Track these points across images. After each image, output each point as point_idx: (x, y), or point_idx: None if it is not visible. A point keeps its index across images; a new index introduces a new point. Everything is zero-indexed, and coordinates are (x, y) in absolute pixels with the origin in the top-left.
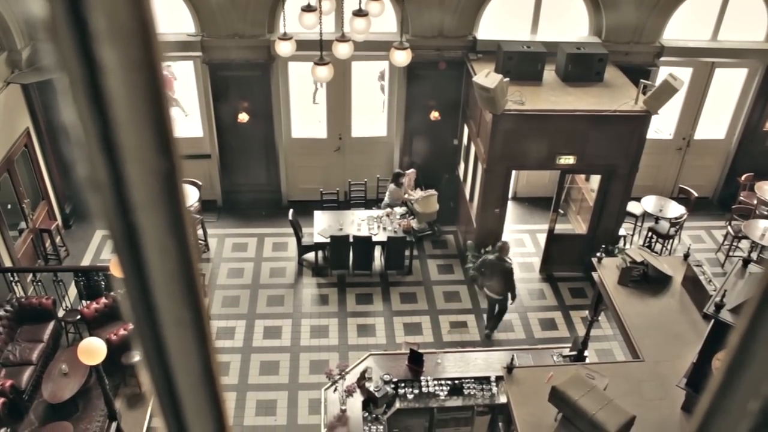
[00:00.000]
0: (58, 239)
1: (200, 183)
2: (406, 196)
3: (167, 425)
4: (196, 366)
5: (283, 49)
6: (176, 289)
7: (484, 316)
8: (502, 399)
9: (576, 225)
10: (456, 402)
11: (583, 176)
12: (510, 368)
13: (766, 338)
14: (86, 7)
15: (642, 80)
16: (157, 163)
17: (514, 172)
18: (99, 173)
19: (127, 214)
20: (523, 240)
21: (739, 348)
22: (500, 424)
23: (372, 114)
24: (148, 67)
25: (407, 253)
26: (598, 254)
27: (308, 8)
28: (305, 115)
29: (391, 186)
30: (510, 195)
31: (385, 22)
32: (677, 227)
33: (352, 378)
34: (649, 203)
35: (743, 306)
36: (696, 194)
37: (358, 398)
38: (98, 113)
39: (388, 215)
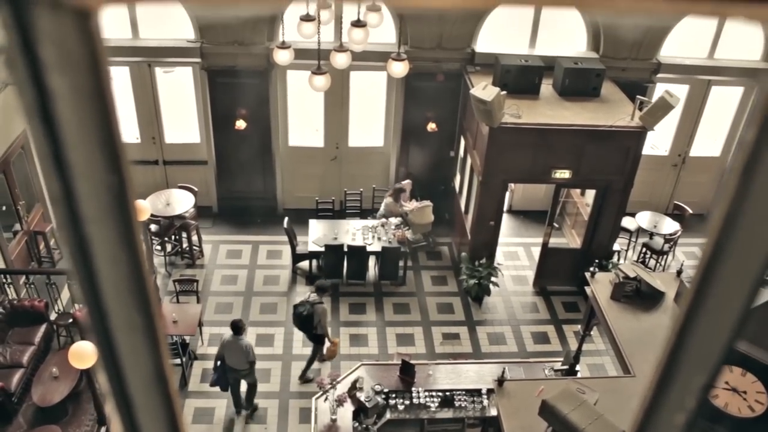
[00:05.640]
0: (52, 242)
1: (196, 189)
2: (401, 208)
3: (122, 425)
4: (147, 368)
5: (281, 57)
6: (127, 295)
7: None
8: (493, 412)
9: (570, 239)
10: (447, 414)
11: (578, 190)
12: (501, 381)
13: (698, 335)
14: (36, 40)
15: (638, 96)
16: (107, 179)
17: (509, 185)
18: (53, 188)
19: (80, 226)
20: (518, 253)
21: (673, 346)
22: None
23: (369, 124)
24: (97, 94)
25: (401, 263)
26: (591, 269)
27: (307, 17)
28: (303, 124)
29: (389, 200)
30: (505, 208)
31: (383, 33)
32: (671, 243)
33: (343, 388)
34: (643, 219)
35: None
36: (691, 211)
37: (348, 408)
38: (50, 135)
39: (383, 225)
